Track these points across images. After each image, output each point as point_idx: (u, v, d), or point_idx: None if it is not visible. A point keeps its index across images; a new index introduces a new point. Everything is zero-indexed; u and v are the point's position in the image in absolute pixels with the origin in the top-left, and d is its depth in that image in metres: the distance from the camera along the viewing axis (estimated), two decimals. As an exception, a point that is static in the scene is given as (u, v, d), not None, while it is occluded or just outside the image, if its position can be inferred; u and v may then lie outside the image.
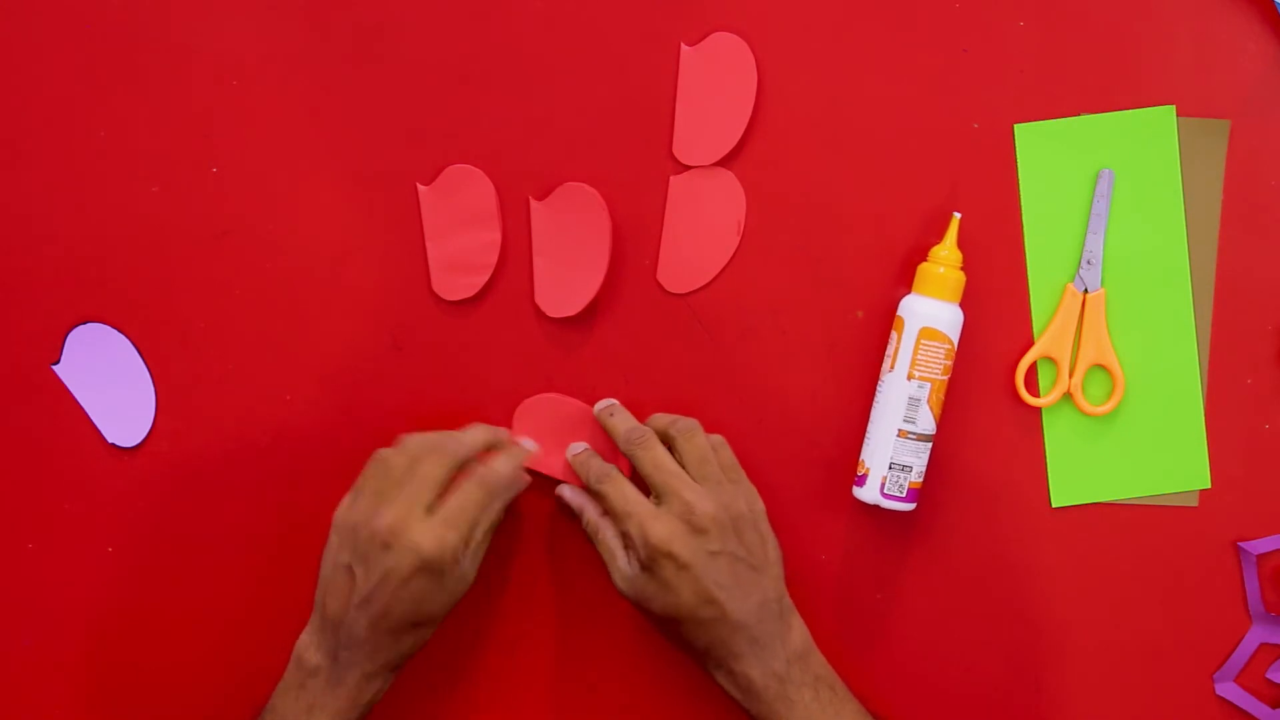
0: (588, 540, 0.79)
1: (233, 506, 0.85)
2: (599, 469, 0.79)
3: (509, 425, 0.83)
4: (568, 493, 0.82)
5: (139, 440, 0.85)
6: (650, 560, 0.74)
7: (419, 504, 0.74)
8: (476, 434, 0.79)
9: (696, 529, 0.74)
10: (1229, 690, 0.83)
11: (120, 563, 0.86)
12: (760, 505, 0.78)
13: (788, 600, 0.77)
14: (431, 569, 0.73)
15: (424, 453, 0.76)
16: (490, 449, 0.79)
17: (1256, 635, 0.83)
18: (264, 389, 0.85)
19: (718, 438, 0.80)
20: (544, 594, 0.85)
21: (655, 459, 0.77)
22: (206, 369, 0.85)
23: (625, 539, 0.76)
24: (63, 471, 0.86)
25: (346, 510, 0.77)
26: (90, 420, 0.86)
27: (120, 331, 0.85)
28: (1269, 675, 0.83)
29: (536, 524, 0.85)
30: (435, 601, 0.75)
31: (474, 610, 0.84)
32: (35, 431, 0.86)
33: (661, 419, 0.80)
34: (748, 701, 0.75)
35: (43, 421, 0.86)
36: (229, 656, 0.86)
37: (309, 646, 0.76)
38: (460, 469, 0.77)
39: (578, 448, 0.82)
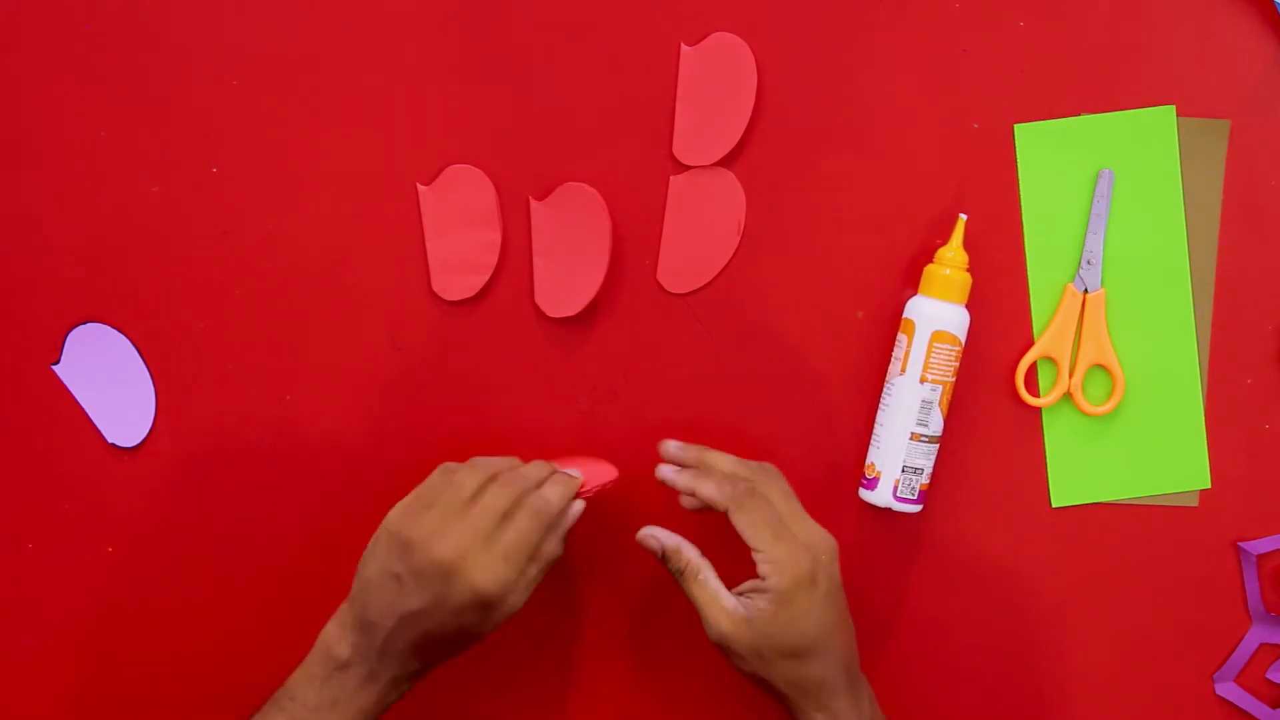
0: (674, 579, 0.76)
1: (233, 506, 0.85)
2: (744, 486, 0.75)
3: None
4: (661, 534, 0.77)
5: (139, 440, 0.85)
6: (791, 592, 0.72)
7: (480, 534, 0.73)
8: (537, 469, 0.78)
9: (828, 558, 0.74)
10: (1229, 690, 0.83)
11: (120, 563, 0.86)
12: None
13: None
14: (485, 604, 0.73)
15: (490, 481, 0.76)
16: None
17: (1256, 635, 0.83)
18: (264, 389, 0.85)
19: (781, 480, 0.78)
20: (556, 635, 0.85)
21: (763, 508, 0.74)
22: (206, 369, 0.85)
23: (753, 572, 0.74)
24: (63, 471, 0.86)
25: (404, 519, 0.75)
26: (90, 420, 0.86)
27: (120, 331, 0.85)
28: (1269, 675, 0.83)
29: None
30: (480, 628, 0.75)
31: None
32: (35, 431, 0.86)
33: (723, 459, 0.78)
34: None
35: (43, 421, 0.86)
36: (229, 656, 0.86)
37: (339, 640, 0.75)
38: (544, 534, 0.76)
39: (677, 450, 0.79)
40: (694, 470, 0.77)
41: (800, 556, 0.72)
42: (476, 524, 0.74)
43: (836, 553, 0.74)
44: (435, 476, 0.76)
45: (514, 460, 0.78)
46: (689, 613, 0.75)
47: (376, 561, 0.75)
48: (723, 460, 0.77)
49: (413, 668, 0.74)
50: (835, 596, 0.74)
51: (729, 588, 0.74)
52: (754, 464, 0.77)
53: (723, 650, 0.74)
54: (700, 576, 0.75)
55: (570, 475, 0.79)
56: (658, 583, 0.84)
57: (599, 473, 0.80)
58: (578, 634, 0.86)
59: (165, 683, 0.87)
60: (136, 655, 0.86)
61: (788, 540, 0.73)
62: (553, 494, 0.76)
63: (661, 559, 0.76)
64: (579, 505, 0.79)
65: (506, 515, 0.75)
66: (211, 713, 0.86)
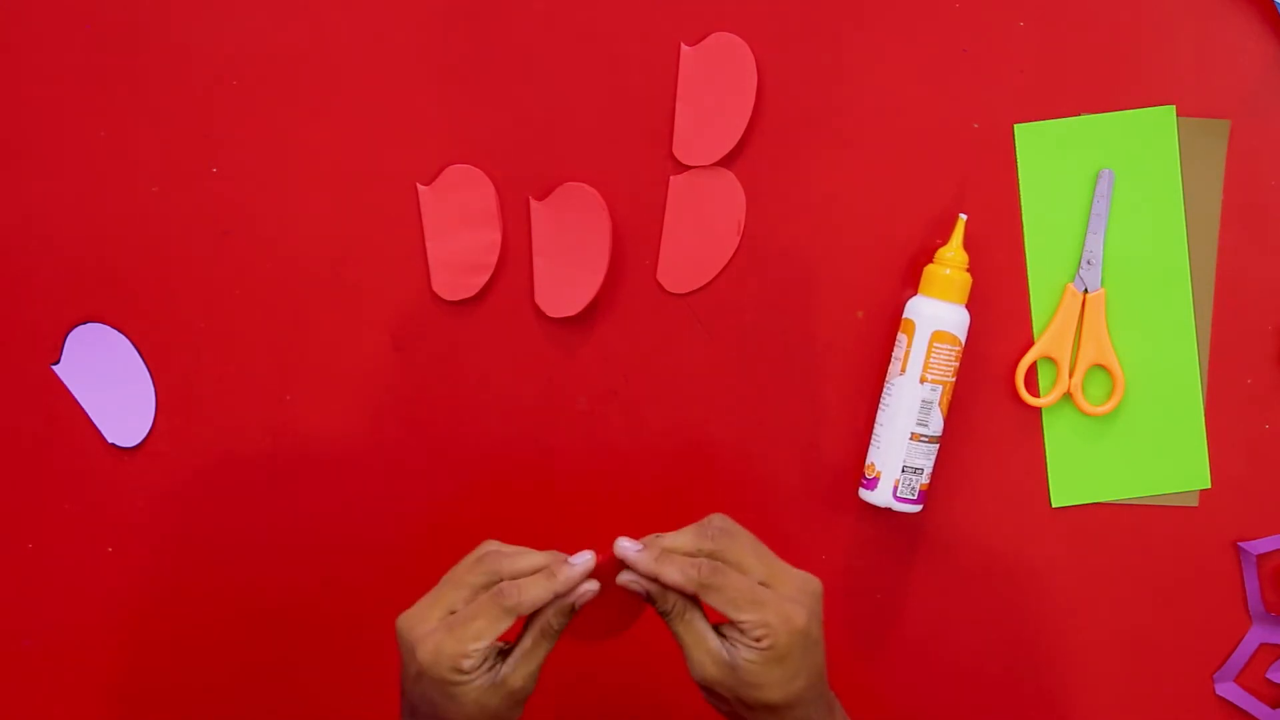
0: (666, 623, 0.72)
1: (232, 506, 0.85)
2: (707, 566, 0.71)
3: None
4: (637, 579, 0.72)
5: (139, 440, 0.85)
6: (788, 647, 0.69)
7: (438, 608, 0.71)
8: (536, 558, 0.73)
9: (815, 602, 0.71)
10: (1229, 690, 0.83)
11: (120, 563, 0.86)
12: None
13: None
14: (428, 676, 0.70)
15: (476, 561, 0.73)
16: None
17: (1256, 635, 0.83)
18: (264, 389, 0.85)
19: (738, 529, 0.74)
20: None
21: (734, 581, 0.71)
22: (206, 369, 0.85)
23: (737, 628, 0.71)
24: (63, 471, 0.86)
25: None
26: (90, 420, 0.86)
27: (120, 331, 0.85)
28: (1269, 675, 0.83)
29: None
30: (457, 707, 0.71)
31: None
32: (35, 431, 0.86)
33: (680, 538, 0.73)
34: None
35: (43, 421, 0.86)
36: (228, 656, 0.86)
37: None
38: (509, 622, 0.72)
39: (635, 549, 0.73)
40: (653, 553, 0.72)
41: (792, 612, 0.69)
42: (439, 598, 0.71)
43: (821, 592, 0.72)
44: (464, 574, 0.73)
45: (518, 549, 0.74)
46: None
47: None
48: (679, 539, 0.72)
49: None
50: (820, 638, 0.71)
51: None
52: (711, 526, 0.73)
53: (704, 690, 0.72)
54: (687, 617, 0.71)
55: (571, 568, 0.73)
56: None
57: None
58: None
59: (165, 682, 0.87)
60: (136, 655, 0.86)
61: (772, 603, 0.69)
62: (529, 586, 0.72)
63: (648, 600, 0.72)
64: (592, 586, 0.73)
65: (476, 589, 0.72)
66: (211, 712, 0.86)
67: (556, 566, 0.73)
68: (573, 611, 0.74)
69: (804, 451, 0.84)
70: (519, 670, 0.72)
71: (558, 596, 0.71)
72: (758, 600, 0.69)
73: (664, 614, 0.73)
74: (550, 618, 0.73)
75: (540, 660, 0.73)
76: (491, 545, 0.74)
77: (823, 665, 0.71)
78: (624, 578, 0.73)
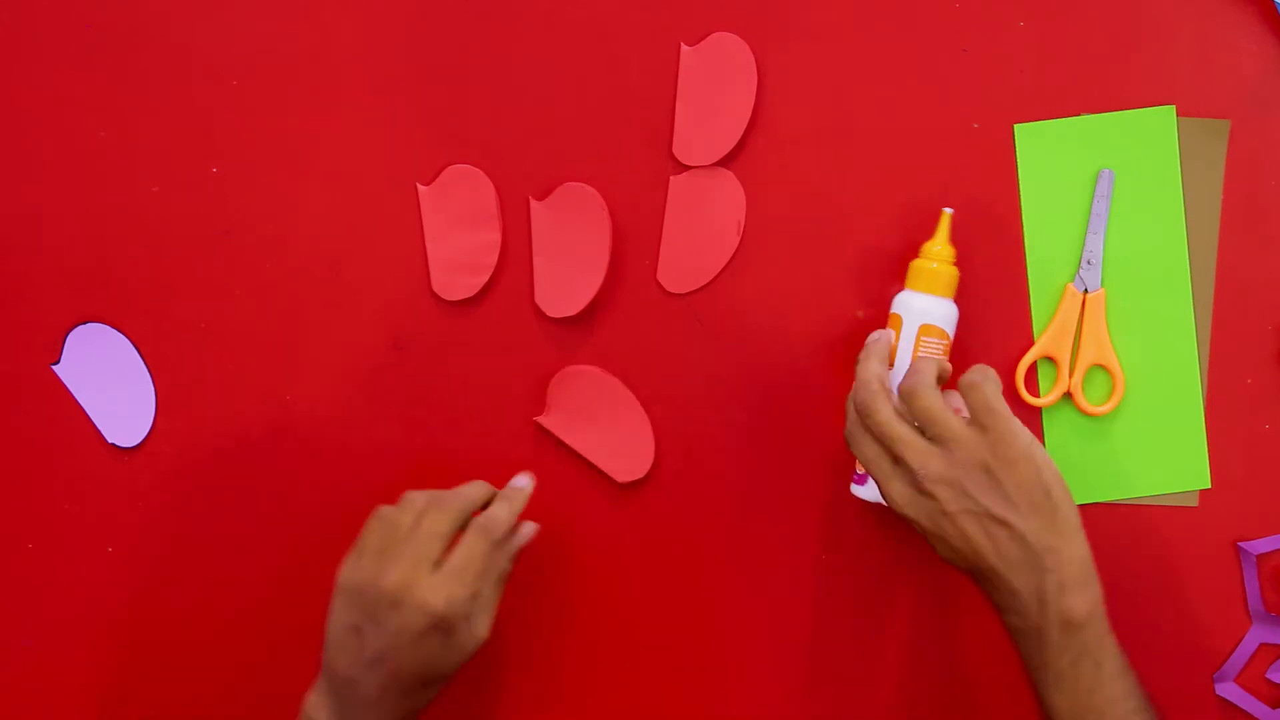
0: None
1: (233, 506, 0.85)
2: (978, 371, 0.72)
3: (544, 395, 0.83)
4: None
5: (139, 440, 0.85)
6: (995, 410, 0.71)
7: (425, 560, 0.73)
8: (476, 489, 0.78)
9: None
10: (1229, 690, 0.83)
11: (120, 563, 0.86)
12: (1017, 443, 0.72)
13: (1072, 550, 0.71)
14: (442, 626, 0.73)
15: (426, 509, 0.75)
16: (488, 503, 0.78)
17: (1256, 635, 0.83)
18: (264, 389, 0.85)
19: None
20: (547, 641, 0.85)
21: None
22: (206, 369, 0.85)
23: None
24: (63, 471, 0.86)
25: (351, 570, 0.75)
26: (90, 420, 0.86)
27: (120, 331, 0.85)
28: (1269, 675, 0.83)
29: (547, 570, 0.85)
30: (446, 659, 0.74)
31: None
32: (35, 431, 0.86)
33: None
34: (1080, 596, 0.71)
35: (43, 421, 0.86)
36: (227, 656, 0.86)
37: (318, 707, 0.75)
38: (463, 524, 0.76)
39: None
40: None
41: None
42: (419, 550, 0.73)
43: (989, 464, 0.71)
44: (370, 523, 0.77)
45: (452, 490, 0.77)
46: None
47: (334, 620, 0.75)
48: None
49: (388, 718, 0.74)
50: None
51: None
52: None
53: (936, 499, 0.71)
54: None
55: (517, 489, 0.78)
56: (651, 593, 0.85)
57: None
58: (564, 650, 0.86)
59: (165, 682, 0.87)
60: (136, 655, 0.86)
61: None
62: (501, 511, 0.76)
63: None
64: (532, 527, 0.78)
65: (448, 537, 0.74)
66: (211, 712, 0.86)
67: (506, 491, 0.78)
68: (517, 556, 0.77)
69: (804, 451, 0.83)
70: (482, 618, 0.75)
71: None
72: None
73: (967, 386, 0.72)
74: (504, 565, 0.76)
75: (495, 607, 0.75)
76: (418, 496, 0.77)
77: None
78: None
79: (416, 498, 0.77)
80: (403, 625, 0.72)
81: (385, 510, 0.76)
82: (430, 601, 0.72)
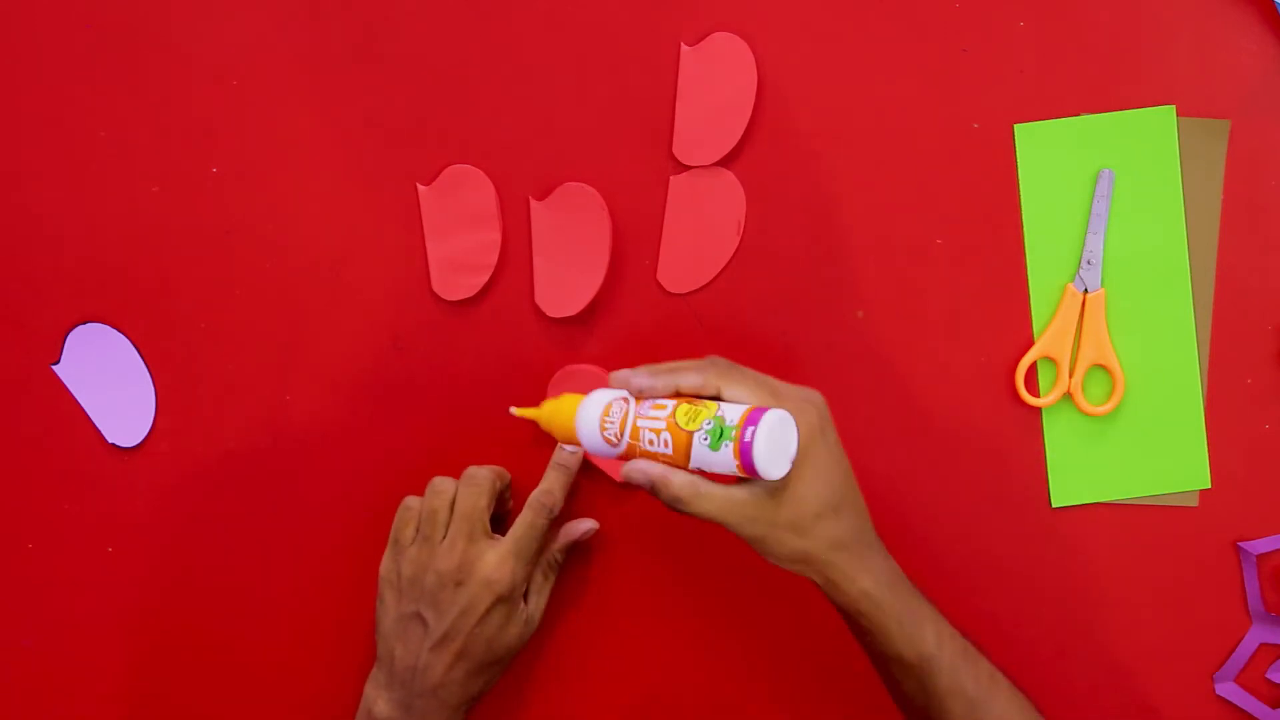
0: (677, 513, 0.67)
1: (233, 507, 0.85)
2: (723, 366, 0.68)
3: (543, 395, 0.83)
4: (641, 467, 0.67)
5: (139, 440, 0.85)
6: (804, 451, 0.65)
7: (476, 537, 0.75)
8: (485, 470, 0.80)
9: (824, 406, 0.68)
10: (1229, 690, 0.83)
11: (120, 563, 0.86)
12: None
13: None
14: (506, 599, 0.74)
15: (457, 490, 0.78)
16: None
17: (1256, 635, 0.83)
18: (264, 389, 0.85)
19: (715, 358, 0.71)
20: (546, 641, 0.85)
21: (755, 379, 0.68)
22: (206, 369, 0.85)
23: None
24: (63, 471, 0.86)
25: (396, 562, 0.77)
26: (90, 420, 0.86)
27: (120, 331, 0.85)
28: (1269, 675, 0.83)
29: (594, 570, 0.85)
30: (509, 635, 0.76)
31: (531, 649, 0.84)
32: (35, 431, 0.86)
33: (685, 367, 0.70)
34: (888, 594, 0.69)
35: (43, 421, 0.86)
36: (227, 655, 0.86)
37: (377, 699, 0.76)
38: (493, 499, 0.78)
39: (640, 376, 0.69)
40: (666, 374, 0.69)
41: (804, 408, 0.66)
42: (467, 529, 0.75)
43: (825, 404, 0.69)
44: (401, 515, 0.78)
45: (465, 473, 0.79)
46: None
47: (387, 614, 0.76)
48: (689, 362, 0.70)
49: (453, 703, 0.75)
50: (840, 447, 0.69)
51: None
52: (711, 359, 0.70)
53: (759, 546, 0.67)
54: (702, 490, 0.66)
55: (567, 455, 0.80)
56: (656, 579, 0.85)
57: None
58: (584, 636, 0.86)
59: (165, 682, 0.87)
60: (137, 655, 0.86)
61: (787, 396, 0.67)
62: (553, 485, 0.78)
63: (651, 492, 0.67)
64: (590, 524, 0.81)
65: (489, 510, 0.77)
66: (211, 712, 0.86)
67: (558, 457, 0.79)
68: (573, 548, 0.78)
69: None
70: (535, 604, 0.78)
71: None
72: (775, 393, 0.66)
73: (673, 501, 0.66)
74: (555, 553, 0.79)
75: (548, 594, 0.77)
76: (443, 481, 0.78)
77: (853, 479, 0.69)
78: (626, 469, 0.67)
79: (442, 483, 0.78)
80: (469, 604, 0.73)
81: (412, 500, 0.78)
82: (494, 577, 0.74)
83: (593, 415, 0.69)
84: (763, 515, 0.66)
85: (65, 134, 0.84)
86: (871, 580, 0.69)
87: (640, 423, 0.67)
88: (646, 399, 0.68)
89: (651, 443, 0.67)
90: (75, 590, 0.86)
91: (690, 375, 0.67)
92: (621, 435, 0.68)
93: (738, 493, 0.66)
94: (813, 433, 0.66)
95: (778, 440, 0.64)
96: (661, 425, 0.67)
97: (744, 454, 0.63)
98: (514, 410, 0.72)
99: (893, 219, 0.82)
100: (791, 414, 0.65)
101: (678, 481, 0.66)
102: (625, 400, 0.69)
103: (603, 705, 0.85)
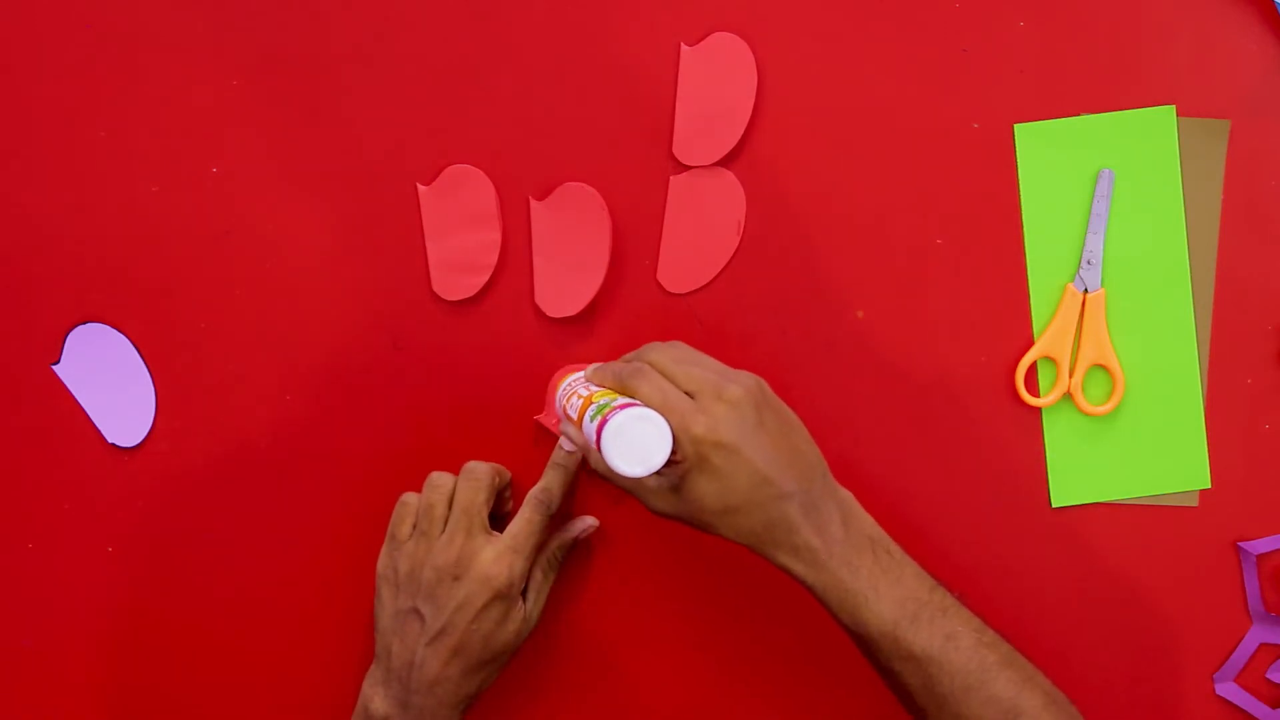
0: (602, 481, 0.72)
1: (233, 506, 0.85)
2: (630, 366, 0.71)
3: (543, 395, 0.83)
4: (572, 433, 0.73)
5: (139, 440, 0.85)
6: (699, 456, 0.67)
7: (475, 532, 0.75)
8: (485, 465, 0.80)
9: (735, 411, 0.68)
10: (1229, 690, 0.83)
11: (120, 563, 0.86)
12: (758, 377, 0.72)
13: (824, 462, 0.73)
14: (503, 595, 0.74)
15: (455, 485, 0.78)
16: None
17: (1256, 635, 0.83)
18: (264, 389, 0.85)
19: (677, 343, 0.74)
20: (546, 640, 0.85)
21: (658, 382, 0.70)
22: (206, 369, 0.85)
23: None
24: (63, 471, 0.86)
25: (393, 558, 0.77)
26: (90, 420, 0.86)
27: (120, 331, 0.85)
28: (1269, 675, 0.83)
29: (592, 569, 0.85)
30: (506, 632, 0.75)
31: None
32: (35, 431, 0.86)
33: (618, 363, 0.74)
34: (813, 574, 0.70)
35: (43, 421, 0.86)
36: (228, 656, 0.86)
37: (374, 696, 0.76)
38: (492, 495, 0.78)
39: (590, 368, 0.75)
40: (591, 369, 0.74)
41: (694, 418, 0.67)
42: (465, 523, 0.76)
43: (755, 388, 0.69)
44: (399, 511, 0.79)
45: (464, 468, 0.79)
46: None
47: (384, 610, 0.76)
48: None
49: (449, 700, 0.75)
50: (758, 437, 0.68)
51: None
52: (649, 344, 0.74)
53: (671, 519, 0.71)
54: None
55: (565, 454, 0.80)
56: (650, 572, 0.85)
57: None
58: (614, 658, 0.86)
59: (165, 682, 0.87)
60: (136, 655, 0.86)
61: (679, 410, 0.68)
62: (552, 483, 0.78)
63: (584, 452, 0.72)
64: (590, 521, 0.81)
65: (487, 505, 0.77)
66: (211, 712, 0.86)
67: (556, 456, 0.79)
68: (572, 546, 0.80)
69: (804, 451, 0.83)
70: (534, 603, 0.78)
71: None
72: (667, 406, 0.68)
73: (599, 472, 0.72)
74: (554, 551, 0.79)
75: (547, 594, 0.77)
76: (441, 476, 0.78)
77: (777, 465, 0.68)
78: (562, 434, 0.74)
79: (440, 478, 0.78)
80: (466, 598, 0.73)
81: (410, 496, 0.78)
82: (492, 572, 0.74)
83: (556, 384, 0.80)
84: (666, 502, 0.70)
85: (65, 134, 0.84)
86: (790, 558, 0.70)
87: (574, 400, 0.73)
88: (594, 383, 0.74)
89: (570, 409, 0.73)
90: (75, 590, 0.86)
91: (605, 377, 0.72)
92: (559, 402, 0.77)
93: (646, 479, 0.70)
94: (702, 443, 0.67)
95: (628, 437, 0.65)
96: (582, 398, 0.72)
97: (598, 435, 0.66)
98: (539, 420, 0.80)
99: (893, 219, 0.82)
100: (675, 424, 0.67)
101: (594, 458, 0.70)
102: (580, 379, 0.76)
103: (602, 705, 0.85)
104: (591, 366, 0.75)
